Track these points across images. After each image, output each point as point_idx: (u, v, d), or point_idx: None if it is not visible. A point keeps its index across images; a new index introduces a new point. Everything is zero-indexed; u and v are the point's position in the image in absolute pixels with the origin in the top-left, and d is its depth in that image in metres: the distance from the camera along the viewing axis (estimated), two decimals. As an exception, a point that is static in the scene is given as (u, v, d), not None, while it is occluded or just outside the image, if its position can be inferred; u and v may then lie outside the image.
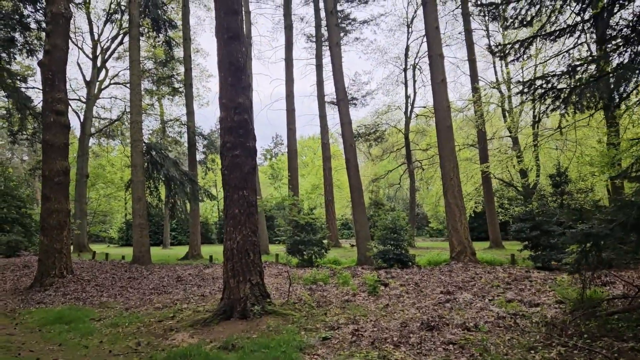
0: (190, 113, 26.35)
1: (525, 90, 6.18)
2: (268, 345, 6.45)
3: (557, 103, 5.99)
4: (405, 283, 12.02)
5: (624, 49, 5.74)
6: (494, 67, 34.51)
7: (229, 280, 8.30)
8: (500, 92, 32.23)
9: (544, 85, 5.94)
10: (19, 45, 22.24)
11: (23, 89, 25.72)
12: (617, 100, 6.31)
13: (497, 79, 34.48)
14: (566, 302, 8.03)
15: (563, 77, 5.82)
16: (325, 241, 18.73)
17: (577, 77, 5.98)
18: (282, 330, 7.28)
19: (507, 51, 6.80)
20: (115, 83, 39.52)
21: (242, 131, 8.65)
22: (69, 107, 21.86)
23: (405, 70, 38.89)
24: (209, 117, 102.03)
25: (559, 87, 5.88)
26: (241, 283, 8.21)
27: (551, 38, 6.44)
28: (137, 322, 8.71)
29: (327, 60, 40.80)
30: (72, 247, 29.80)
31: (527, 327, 6.74)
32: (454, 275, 13.25)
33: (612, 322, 6.38)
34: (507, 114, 33.42)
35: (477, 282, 11.68)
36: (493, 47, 7.12)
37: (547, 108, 6.25)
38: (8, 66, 23.10)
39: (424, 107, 41.36)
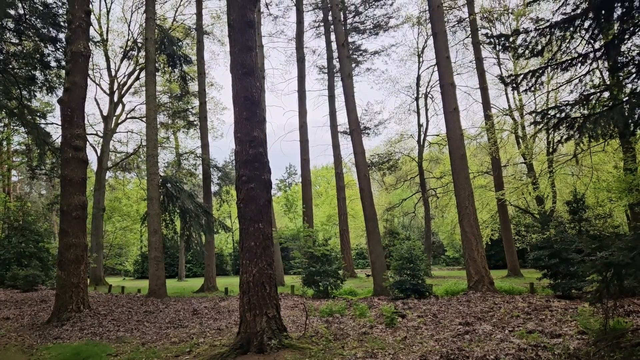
0: (204, 145, 26.68)
1: (539, 120, 6.20)
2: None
3: (571, 132, 5.99)
4: (422, 314, 11.85)
5: (637, 76, 5.75)
6: (506, 94, 34.63)
7: (246, 314, 8.27)
8: (513, 119, 32.21)
9: (558, 115, 5.95)
10: (39, 83, 22.88)
11: (42, 125, 26.32)
12: (632, 127, 6.28)
13: (509, 106, 34.48)
14: (589, 332, 7.85)
15: (576, 105, 5.83)
16: (340, 272, 18.60)
17: (590, 105, 6.00)
18: (299, 364, 7.21)
19: (519, 81, 6.85)
20: (132, 117, 40.32)
21: (258, 164, 8.74)
22: (87, 142, 22.31)
23: (417, 99, 39.17)
24: (223, 149, 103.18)
25: (572, 116, 5.90)
26: (257, 316, 8.17)
27: (562, 67, 6.49)
28: (154, 357, 8.68)
29: (339, 91, 41.28)
30: (88, 281, 29.96)
31: (549, 360, 6.60)
32: (472, 306, 13.05)
33: (638, 354, 6.22)
34: (520, 141, 33.35)
35: (496, 313, 11.48)
36: (505, 78, 7.17)
37: (561, 137, 6.26)
38: (28, 103, 23.72)
39: (437, 134, 41.40)
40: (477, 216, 18.62)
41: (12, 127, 37.95)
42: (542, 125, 6.16)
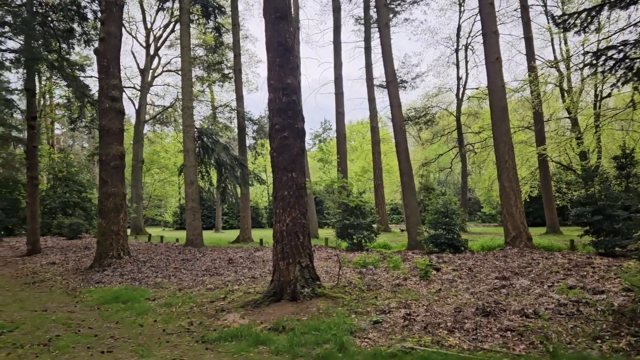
0: (239, 98, 26.57)
1: (594, 61, 5.71)
2: (318, 328, 6.39)
3: (630, 74, 5.49)
4: (458, 268, 11.70)
5: None
6: (552, 45, 32.89)
7: (279, 263, 8.29)
8: (558, 70, 30.68)
9: (616, 56, 5.46)
10: (77, 35, 22.98)
11: (81, 78, 26.66)
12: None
13: (555, 57, 32.86)
14: (635, 289, 7.53)
15: (637, 46, 5.32)
16: (374, 225, 18.52)
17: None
18: (332, 313, 7.20)
19: (571, 22, 6.30)
20: (168, 70, 40.44)
21: (291, 112, 8.55)
22: (124, 94, 22.45)
23: (456, 50, 37.76)
24: (258, 102, 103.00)
25: (632, 57, 5.39)
26: (291, 265, 8.18)
27: (621, 5, 5.90)
28: (190, 302, 8.87)
29: (375, 42, 40.15)
30: (129, 230, 30.95)
31: (591, 315, 6.36)
32: (509, 261, 12.79)
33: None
34: (565, 94, 31.90)
35: (534, 268, 11.21)
36: (556, 18, 6.62)
37: (617, 81, 5.76)
38: (67, 56, 23.96)
39: (477, 88, 40.00)
40: (517, 171, 18.02)
41: (53, 80, 38.71)
42: (597, 67, 5.68)
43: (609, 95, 28.94)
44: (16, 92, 32.71)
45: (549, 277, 9.80)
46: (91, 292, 10.69)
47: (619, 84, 5.79)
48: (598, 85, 29.77)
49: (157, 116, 42.18)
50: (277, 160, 8.45)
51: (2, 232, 28.66)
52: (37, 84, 29.83)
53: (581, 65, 29.38)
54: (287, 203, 8.31)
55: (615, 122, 29.45)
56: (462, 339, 5.73)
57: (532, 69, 26.74)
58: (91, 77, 35.76)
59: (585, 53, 5.74)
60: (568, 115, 31.43)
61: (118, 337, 6.76)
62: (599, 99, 31.57)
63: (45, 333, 6.91)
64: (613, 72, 5.56)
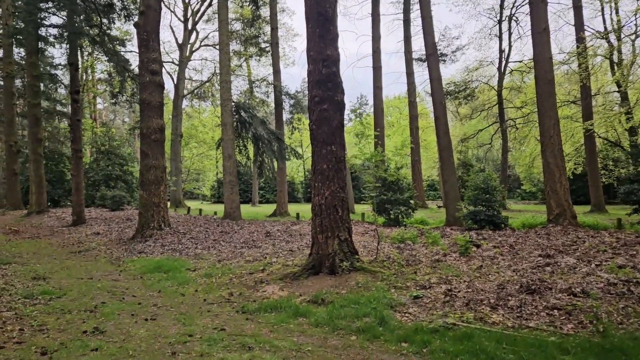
0: (276, 72, 26.48)
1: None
2: (358, 301, 6.35)
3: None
4: (498, 245, 11.44)
5: None
6: (602, 14, 31.29)
7: (317, 236, 8.26)
8: (608, 42, 29.23)
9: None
10: (117, 10, 23.21)
11: (122, 53, 27.06)
12: None
13: (605, 27, 31.29)
14: (690, 270, 7.19)
15: None
16: (412, 201, 18.30)
17: None
18: (371, 287, 7.15)
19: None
20: (205, 45, 40.65)
21: (331, 84, 8.39)
22: (163, 68, 22.64)
23: (500, 22, 36.44)
24: (295, 77, 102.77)
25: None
26: (329, 239, 8.14)
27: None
28: (229, 273, 8.98)
29: (415, 14, 39.24)
30: (168, 203, 31.67)
31: (643, 296, 6.10)
32: (553, 239, 12.43)
33: None
34: (615, 67, 30.47)
35: (579, 246, 10.85)
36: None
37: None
38: (108, 31, 24.28)
39: (520, 61, 38.59)
40: (562, 147, 17.37)
41: (95, 55, 39.47)
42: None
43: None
44: (60, 67, 33.65)
45: (596, 256, 9.45)
46: (134, 261, 10.98)
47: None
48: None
49: (195, 91, 42.62)
50: (316, 133, 8.35)
51: (49, 203, 29.75)
52: (79, 59, 30.44)
53: (633, 37, 28.02)
54: (326, 176, 8.23)
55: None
56: (506, 317, 5.59)
57: (580, 40, 25.61)
58: (131, 51, 36.35)
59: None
60: (617, 89, 30.07)
61: (161, 305, 6.91)
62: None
63: (91, 300, 7.13)
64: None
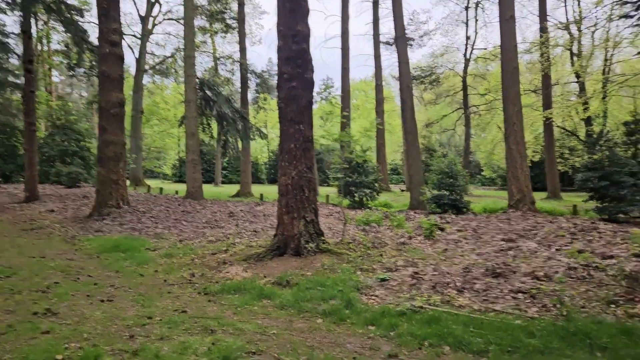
0: (242, 50, 25.93)
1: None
2: (324, 284, 6.24)
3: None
4: (462, 228, 11.55)
5: None
6: (565, 5, 31.86)
7: (283, 217, 8.08)
8: (569, 33, 29.90)
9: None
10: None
11: (80, 23, 25.83)
12: None
13: (567, 19, 31.93)
14: (646, 255, 7.39)
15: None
16: (377, 184, 18.34)
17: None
18: (337, 269, 7.05)
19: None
20: (169, 19, 39.32)
21: (300, 61, 8.15)
22: (124, 41, 21.76)
23: (467, 8, 36.68)
24: (262, 56, 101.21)
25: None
26: (295, 220, 7.98)
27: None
28: (191, 253, 8.73)
29: (384, -4, 38.88)
30: (128, 181, 30.79)
31: (603, 280, 6.21)
32: (514, 223, 12.65)
33: None
34: (575, 58, 31.27)
35: (539, 231, 11.06)
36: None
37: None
38: (66, -1, 23.08)
39: (485, 49, 39.11)
40: (524, 134, 17.67)
41: (50, 25, 37.65)
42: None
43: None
44: (12, 35, 31.92)
45: (556, 241, 9.65)
46: (90, 240, 10.54)
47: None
48: (609, 50, 29.12)
49: (158, 66, 41.29)
50: (284, 111, 8.12)
51: (0, 179, 28.46)
52: (34, 27, 28.94)
53: (593, 29, 28.71)
54: (293, 156, 8.04)
55: (622, 89, 28.99)
56: (472, 300, 5.59)
57: (544, 29, 26.02)
58: (90, 22, 34.76)
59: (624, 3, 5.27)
60: (576, 80, 30.87)
61: (118, 286, 6.62)
62: (608, 64, 30.94)
63: (44, 280, 6.76)
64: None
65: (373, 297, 5.83)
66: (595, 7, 27.99)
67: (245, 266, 7.45)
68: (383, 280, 6.47)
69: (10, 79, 32.71)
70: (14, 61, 33.53)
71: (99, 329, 4.70)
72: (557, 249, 8.60)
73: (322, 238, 8.29)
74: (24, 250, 9.25)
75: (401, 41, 19.06)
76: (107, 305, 5.63)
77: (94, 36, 27.86)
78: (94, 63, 26.15)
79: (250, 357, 4.08)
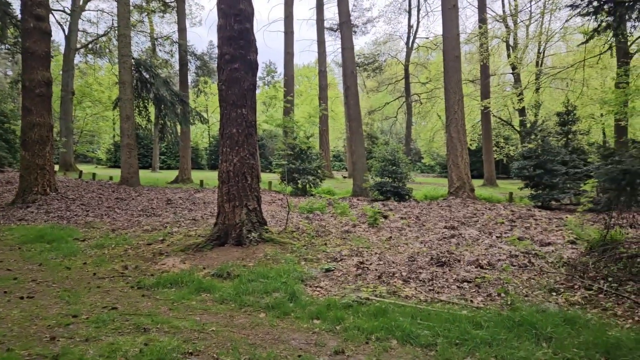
0: (181, 30, 24.86)
1: (578, 1, 5.27)
2: (267, 275, 5.96)
3: (611, 19, 5.13)
4: (405, 216, 11.58)
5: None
6: (502, -1, 32.80)
7: (224, 205, 7.71)
8: (506, 26, 30.88)
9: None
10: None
11: (2, -5, 23.89)
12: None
13: (503, 11, 32.95)
14: (582, 242, 7.61)
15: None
16: (320, 171, 18.17)
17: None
18: (280, 259, 6.79)
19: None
20: (102, -5, 37.22)
21: (243, 42, 7.74)
22: (53, 17, 20.27)
23: (410, -4, 37.00)
24: (202, 38, 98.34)
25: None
26: (237, 208, 7.63)
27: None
28: (125, 244, 8.19)
29: (328, -19, 38.43)
30: (58, 166, 29.04)
31: (544, 267, 6.30)
32: (454, 211, 12.85)
33: (637, 266, 5.94)
34: (511, 50, 32.37)
35: (479, 218, 11.28)
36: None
37: (598, 25, 5.38)
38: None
39: (427, 38, 39.72)
40: (465, 123, 18.01)
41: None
42: (580, 9, 5.28)
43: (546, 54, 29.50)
44: None
45: (496, 228, 9.84)
46: (12, 230, 9.71)
47: (600, 28, 5.45)
48: (542, 43, 30.29)
49: (90, 45, 39.09)
50: (225, 94, 7.70)
51: None
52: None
53: (528, 22, 29.73)
54: (235, 141, 7.65)
55: (556, 80, 30.32)
56: (418, 290, 5.49)
57: (483, 21, 26.65)
58: (14, -4, 32.21)
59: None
60: (512, 71, 31.93)
61: (41, 280, 6.06)
62: (541, 56, 32.23)
63: (-45, 275, 6.10)
64: (597, 14, 5.21)
65: (318, 289, 5.63)
66: (530, 2, 29.02)
67: (183, 257, 7.04)
68: (328, 270, 6.28)
69: None
70: None
71: (15, 331, 4.22)
72: (497, 237, 8.74)
73: (265, 227, 8.00)
74: None
75: (346, 26, 18.87)
76: (26, 302, 5.11)
77: (18, 8, 25.95)
78: (18, 39, 24.35)
79: (187, 358, 3.76)
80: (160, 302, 5.27)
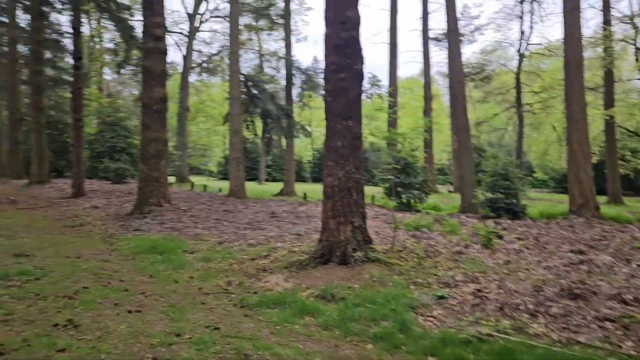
0: (288, 46, 25.48)
1: None
2: (374, 300, 5.52)
3: None
4: (522, 236, 10.56)
5: None
6: (630, -4, 29.81)
7: (328, 221, 7.40)
8: (635, 27, 27.96)
9: None
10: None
11: (129, 21, 26.04)
12: None
13: (631, 11, 29.89)
14: None
15: None
16: (425, 185, 17.42)
17: None
18: (388, 282, 6.33)
19: None
20: (216, 16, 39.37)
21: (350, 51, 7.45)
22: (171, 39, 21.62)
23: (521, 1, 34.96)
24: (306, 54, 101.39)
25: None
26: (342, 225, 7.29)
27: None
28: (230, 258, 8.17)
29: (434, -10, 37.58)
30: (173, 178, 30.88)
31: None
32: (579, 232, 11.56)
33: None
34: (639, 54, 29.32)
35: (610, 242, 9.97)
36: None
37: None
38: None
39: (540, 44, 37.22)
40: (588, 134, 16.33)
41: (102, 24, 38.43)
42: None
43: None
44: (66, 35, 32.63)
45: (633, 254, 8.58)
46: (129, 240, 10.18)
47: None
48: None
49: (204, 64, 41.51)
50: (331, 105, 7.43)
51: (54, 174, 29.10)
52: (87, 26, 29.47)
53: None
54: (340, 155, 7.34)
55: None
56: (549, 327, 4.75)
57: (607, 22, 24.34)
58: (139, 20, 35.09)
59: None
60: (640, 77, 28.88)
61: (150, 293, 6.12)
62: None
63: (74, 283, 6.33)
64: None
65: (430, 319, 5.08)
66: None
67: (286, 275, 6.82)
68: (441, 297, 5.70)
69: (65, 76, 33.59)
70: (70, 60, 34.41)
71: (120, 348, 4.17)
72: (638, 265, 7.57)
73: (371, 246, 7.58)
74: (61, 249, 8.95)
75: (453, 35, 18.04)
76: (134, 316, 5.11)
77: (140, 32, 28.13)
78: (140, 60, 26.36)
79: (289, 393, 3.43)
80: (263, 324, 5.04)
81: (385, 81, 28.31)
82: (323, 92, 8.10)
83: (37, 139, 23.55)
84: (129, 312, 5.25)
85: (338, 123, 7.37)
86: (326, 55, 7.58)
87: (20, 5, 25.41)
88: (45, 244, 9.46)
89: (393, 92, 26.97)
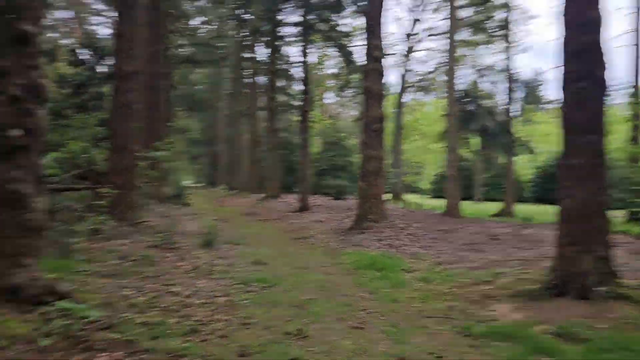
0: (507, 59, 24.05)
1: None
2: (627, 346, 4.63)
3: None
4: None
5: None
6: None
7: (565, 248, 6.53)
8: None
9: None
10: (346, 6, 23.81)
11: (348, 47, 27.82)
12: None
13: None
14: None
15: None
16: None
17: None
18: (643, 325, 5.27)
19: None
20: (431, 35, 39.41)
21: (591, 56, 6.53)
22: (383, 53, 22.36)
23: None
24: (527, 64, 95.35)
25: None
26: (581, 253, 6.34)
27: None
28: (450, 280, 7.84)
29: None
30: (390, 195, 31.60)
31: None
32: None
33: None
34: None
35: None
36: None
37: None
38: (337, 25, 25.11)
39: None
40: None
41: (323, 52, 41.76)
42: None
43: None
44: (295, 64, 36.36)
45: None
46: (349, 254, 10.55)
47: None
48: None
49: (419, 82, 41.83)
50: (569, 118, 6.59)
51: (282, 189, 32.39)
52: (312, 55, 32.34)
53: None
54: (580, 173, 6.44)
55: None
56: None
57: None
58: (356, 46, 37.15)
59: None
60: None
61: (371, 310, 6.16)
62: None
63: (302, 294, 6.73)
64: None
65: None
66: None
67: (515, 305, 6.20)
68: None
69: (294, 102, 37.48)
70: (298, 86, 38.28)
71: (345, 366, 4.22)
72: None
73: (617, 280, 6.45)
74: (290, 260, 9.71)
75: None
76: (357, 333, 5.17)
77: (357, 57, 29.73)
78: (359, 83, 27.79)
79: None
80: (490, 358, 4.61)
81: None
82: (546, 104, 7.26)
83: (272, 159, 26.49)
84: (353, 327, 5.34)
85: (577, 138, 6.49)
86: (564, 62, 6.77)
87: (261, 42, 29.22)
88: (276, 254, 10.38)
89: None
